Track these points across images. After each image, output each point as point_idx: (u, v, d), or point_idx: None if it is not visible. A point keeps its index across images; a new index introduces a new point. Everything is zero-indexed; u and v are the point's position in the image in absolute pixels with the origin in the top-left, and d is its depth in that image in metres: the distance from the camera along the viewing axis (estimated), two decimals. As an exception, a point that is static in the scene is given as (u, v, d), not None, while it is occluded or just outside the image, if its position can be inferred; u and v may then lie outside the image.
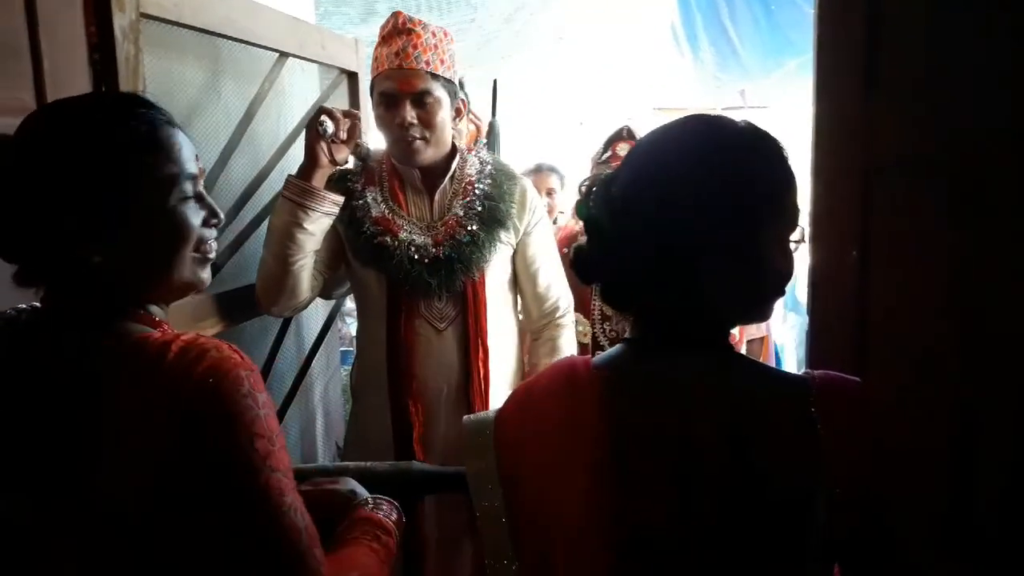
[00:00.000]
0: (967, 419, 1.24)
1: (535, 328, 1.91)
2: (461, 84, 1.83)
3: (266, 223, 1.75)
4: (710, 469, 0.78)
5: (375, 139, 1.89)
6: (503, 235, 1.76)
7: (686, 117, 0.87)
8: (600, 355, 0.88)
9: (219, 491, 0.77)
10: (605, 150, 2.11)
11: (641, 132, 2.01)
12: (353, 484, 1.05)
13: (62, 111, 0.87)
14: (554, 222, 3.03)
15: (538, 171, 3.20)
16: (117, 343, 0.81)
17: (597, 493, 0.77)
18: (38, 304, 0.89)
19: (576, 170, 3.20)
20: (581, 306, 2.16)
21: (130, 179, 0.84)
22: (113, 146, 0.84)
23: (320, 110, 1.64)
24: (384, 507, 1.01)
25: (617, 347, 0.88)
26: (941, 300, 1.24)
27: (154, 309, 0.89)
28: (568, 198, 3.27)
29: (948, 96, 1.22)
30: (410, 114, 1.67)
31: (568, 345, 1.91)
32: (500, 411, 0.87)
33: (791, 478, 0.78)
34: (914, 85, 1.25)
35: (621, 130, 2.11)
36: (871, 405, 0.82)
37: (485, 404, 1.75)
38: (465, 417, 0.90)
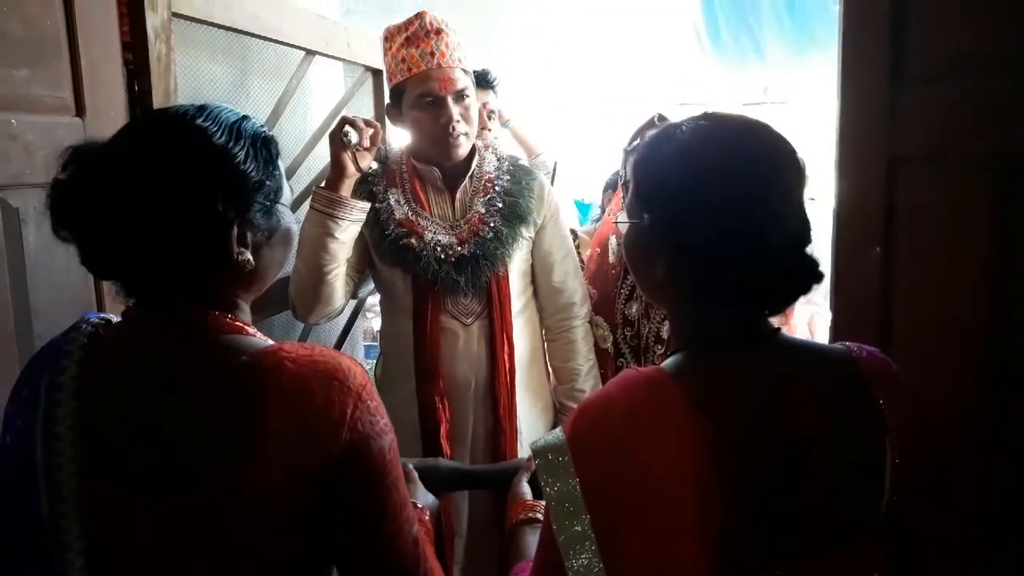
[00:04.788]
0: (997, 427, 1.23)
1: (550, 324, 1.91)
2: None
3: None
4: (814, 470, 0.80)
5: (391, 140, 1.90)
6: (524, 230, 1.78)
7: (697, 118, 0.89)
8: (668, 363, 0.85)
9: (361, 506, 0.81)
10: (635, 138, 2.03)
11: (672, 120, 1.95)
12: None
13: (191, 118, 0.83)
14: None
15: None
16: (252, 360, 0.80)
17: (705, 512, 0.75)
18: (110, 316, 0.89)
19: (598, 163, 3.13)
20: (605, 310, 2.11)
21: (281, 181, 0.89)
22: (269, 150, 0.87)
23: (342, 120, 1.65)
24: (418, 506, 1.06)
25: (680, 355, 0.86)
26: (968, 296, 1.23)
27: (244, 313, 0.89)
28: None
29: (974, 88, 1.21)
30: (455, 112, 1.68)
31: (585, 343, 1.90)
32: (572, 432, 0.82)
33: (867, 458, 0.83)
34: (940, 77, 1.24)
35: (652, 118, 2.03)
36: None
37: (511, 397, 1.77)
38: (532, 442, 0.86)
